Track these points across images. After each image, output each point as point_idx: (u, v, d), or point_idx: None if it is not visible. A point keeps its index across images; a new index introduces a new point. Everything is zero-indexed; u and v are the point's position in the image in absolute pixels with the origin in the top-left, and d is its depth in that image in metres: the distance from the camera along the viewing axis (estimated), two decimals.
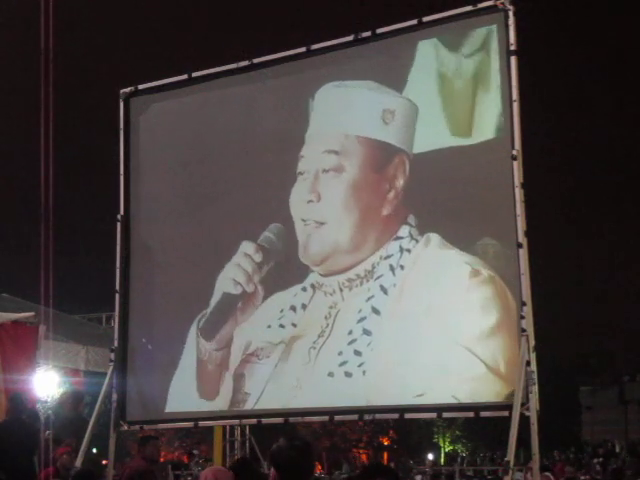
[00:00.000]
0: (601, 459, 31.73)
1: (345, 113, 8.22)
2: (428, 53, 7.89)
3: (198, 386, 8.66)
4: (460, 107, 7.68)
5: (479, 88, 7.61)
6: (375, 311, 7.78)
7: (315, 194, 8.16)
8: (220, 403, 8.55)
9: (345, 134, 8.14)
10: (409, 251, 7.75)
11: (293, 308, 8.23)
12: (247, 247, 8.50)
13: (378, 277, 7.82)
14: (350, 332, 7.85)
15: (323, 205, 8.13)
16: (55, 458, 9.51)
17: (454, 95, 7.73)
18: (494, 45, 7.52)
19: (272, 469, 3.90)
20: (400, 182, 7.86)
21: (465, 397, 7.30)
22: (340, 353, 7.87)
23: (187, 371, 8.71)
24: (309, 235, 8.20)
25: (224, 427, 13.80)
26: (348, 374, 7.80)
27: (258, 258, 8.42)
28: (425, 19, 7.88)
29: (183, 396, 8.75)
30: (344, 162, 8.08)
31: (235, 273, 8.52)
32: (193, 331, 8.71)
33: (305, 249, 8.21)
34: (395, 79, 8.00)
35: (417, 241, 7.74)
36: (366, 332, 7.78)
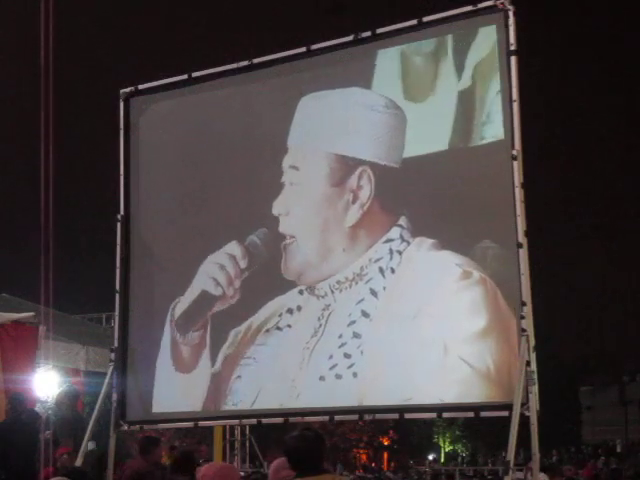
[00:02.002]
0: (602, 458, 31.72)
1: (314, 127, 8.37)
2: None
3: (176, 371, 8.73)
4: (422, 79, 7.81)
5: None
6: (365, 314, 7.81)
7: (284, 208, 8.34)
8: (217, 402, 8.57)
9: (310, 148, 8.33)
10: (399, 253, 7.77)
11: (290, 311, 8.28)
12: (234, 249, 8.55)
13: (368, 280, 7.85)
14: (340, 336, 7.90)
15: (291, 219, 8.31)
16: (55, 458, 9.51)
17: (419, 70, 7.85)
18: (491, 43, 7.54)
19: None
20: (365, 193, 7.94)
21: (455, 399, 7.34)
22: (330, 357, 7.92)
23: (183, 370, 8.75)
24: (284, 249, 8.32)
25: (224, 427, 13.81)
26: (338, 376, 7.85)
27: (243, 264, 8.50)
28: (425, 19, 7.88)
29: (181, 396, 8.77)
30: (304, 177, 8.28)
31: (218, 274, 8.59)
32: (168, 324, 8.82)
33: (285, 264, 8.32)
34: (385, 82, 8.05)
35: (408, 243, 7.76)
36: (356, 335, 7.81)
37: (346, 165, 8.04)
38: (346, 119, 8.15)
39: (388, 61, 8.09)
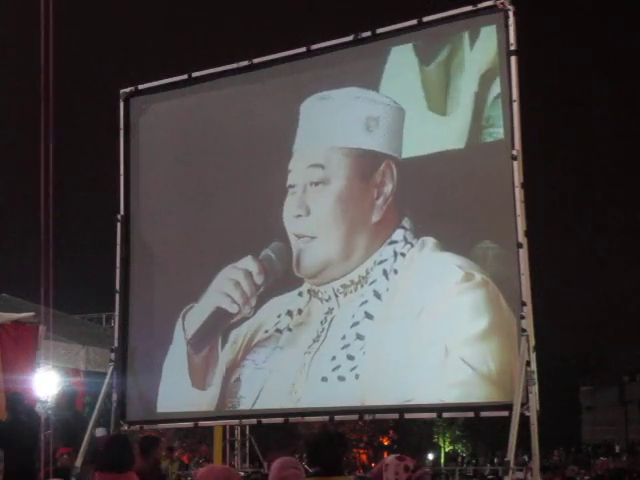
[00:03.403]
0: (602, 458, 31.71)
1: (329, 125, 8.28)
2: (413, 48, 7.90)
3: (192, 386, 8.70)
4: (440, 90, 7.75)
5: (460, 70, 7.64)
6: (368, 316, 7.81)
7: (304, 208, 8.21)
8: (217, 404, 8.57)
9: (330, 146, 8.21)
10: (403, 255, 7.77)
11: (290, 313, 8.26)
12: (250, 265, 8.49)
13: (372, 282, 7.84)
14: (343, 337, 7.89)
15: (312, 219, 8.18)
16: (55, 458, 9.50)
17: (436, 80, 7.78)
18: (491, 43, 7.54)
19: None
20: (389, 188, 7.88)
21: (456, 400, 7.35)
22: (333, 358, 7.91)
23: (183, 370, 8.75)
24: (301, 250, 8.25)
25: (224, 427, 13.80)
26: (341, 378, 7.85)
27: (259, 280, 8.45)
28: (425, 19, 7.88)
29: (180, 396, 8.77)
30: (329, 175, 8.14)
31: (233, 292, 8.53)
32: (180, 329, 8.78)
33: (298, 263, 8.26)
34: (385, 82, 8.04)
35: (412, 245, 7.75)
36: (359, 337, 7.81)
37: (370, 159, 7.96)
38: (356, 114, 8.06)
39: (388, 60, 8.08)
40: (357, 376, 7.77)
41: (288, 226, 8.33)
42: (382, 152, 7.93)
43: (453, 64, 7.73)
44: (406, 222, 7.80)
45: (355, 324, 7.85)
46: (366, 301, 7.83)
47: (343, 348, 7.86)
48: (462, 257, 7.45)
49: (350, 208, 8.06)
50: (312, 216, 8.18)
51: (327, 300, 8.08)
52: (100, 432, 9.96)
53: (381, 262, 7.82)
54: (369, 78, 8.12)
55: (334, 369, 7.87)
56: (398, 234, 7.81)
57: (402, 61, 8.00)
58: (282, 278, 8.35)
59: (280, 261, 8.35)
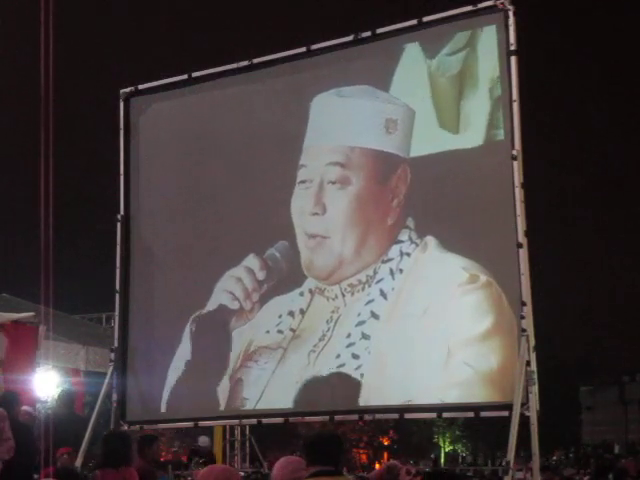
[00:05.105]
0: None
1: (347, 124, 8.19)
2: (423, 54, 7.89)
3: (195, 386, 8.68)
4: (452, 106, 7.70)
5: (473, 87, 7.62)
6: (374, 315, 7.81)
7: (320, 206, 8.13)
8: (218, 404, 8.57)
9: (349, 146, 8.12)
10: (408, 255, 7.77)
11: (291, 314, 8.24)
12: (252, 262, 8.48)
13: (378, 281, 7.83)
14: (349, 335, 7.88)
15: (328, 218, 8.10)
16: (55, 458, 9.48)
17: (448, 96, 7.74)
18: (489, 45, 7.53)
19: None
20: (402, 190, 7.87)
21: (457, 400, 7.35)
22: (338, 356, 7.91)
23: (184, 371, 8.73)
24: (313, 249, 8.20)
25: (224, 427, 13.80)
26: (346, 376, 7.83)
27: (261, 276, 8.43)
28: (425, 19, 7.88)
29: (182, 396, 8.76)
30: (350, 174, 8.06)
31: (235, 288, 8.52)
32: (187, 332, 8.74)
33: (310, 263, 8.20)
34: (392, 82, 8.02)
35: (417, 245, 7.75)
36: (365, 336, 7.80)
37: (390, 162, 7.93)
38: (375, 115, 8.02)
39: (389, 62, 8.08)
40: (362, 375, 7.76)
41: (299, 223, 8.28)
42: (399, 155, 7.91)
43: (454, 64, 7.72)
44: (410, 222, 7.80)
45: (361, 323, 7.84)
46: (372, 300, 7.83)
47: (348, 347, 7.86)
48: (465, 258, 7.46)
49: (368, 210, 8.03)
50: (328, 215, 8.11)
51: (333, 299, 8.06)
52: (203, 441, 9.95)
53: (388, 261, 7.82)
54: (377, 78, 8.09)
55: (339, 367, 7.87)
56: (403, 234, 7.81)
57: (409, 61, 7.96)
58: (285, 278, 8.33)
59: (285, 260, 8.33)
